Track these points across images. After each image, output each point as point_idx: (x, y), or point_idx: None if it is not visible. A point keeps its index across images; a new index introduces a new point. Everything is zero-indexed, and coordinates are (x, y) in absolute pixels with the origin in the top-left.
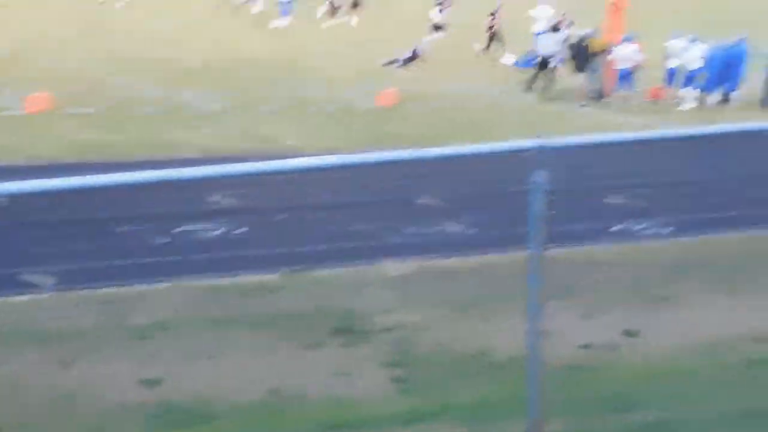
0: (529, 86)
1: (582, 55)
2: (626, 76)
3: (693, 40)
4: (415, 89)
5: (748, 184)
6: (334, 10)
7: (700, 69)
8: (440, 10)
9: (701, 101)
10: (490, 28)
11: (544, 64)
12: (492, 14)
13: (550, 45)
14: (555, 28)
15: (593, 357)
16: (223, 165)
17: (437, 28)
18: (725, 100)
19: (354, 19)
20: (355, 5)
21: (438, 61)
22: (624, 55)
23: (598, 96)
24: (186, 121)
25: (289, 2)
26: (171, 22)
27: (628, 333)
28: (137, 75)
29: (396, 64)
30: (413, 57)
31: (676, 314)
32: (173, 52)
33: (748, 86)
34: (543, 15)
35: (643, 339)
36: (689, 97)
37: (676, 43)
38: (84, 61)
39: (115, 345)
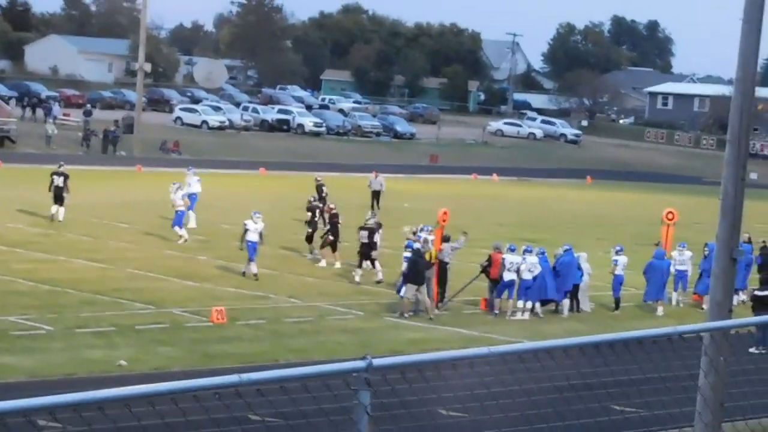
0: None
1: (421, 267)
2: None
3: (527, 251)
4: (244, 306)
5: (574, 395)
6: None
7: (533, 280)
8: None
9: (533, 311)
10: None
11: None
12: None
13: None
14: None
15: None
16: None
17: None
18: (556, 310)
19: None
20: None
21: (270, 276)
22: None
23: (427, 308)
24: (13, 345)
25: None
26: None
27: None
28: None
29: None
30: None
31: None
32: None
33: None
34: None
35: None
36: (521, 308)
37: (511, 257)
38: None
39: None
